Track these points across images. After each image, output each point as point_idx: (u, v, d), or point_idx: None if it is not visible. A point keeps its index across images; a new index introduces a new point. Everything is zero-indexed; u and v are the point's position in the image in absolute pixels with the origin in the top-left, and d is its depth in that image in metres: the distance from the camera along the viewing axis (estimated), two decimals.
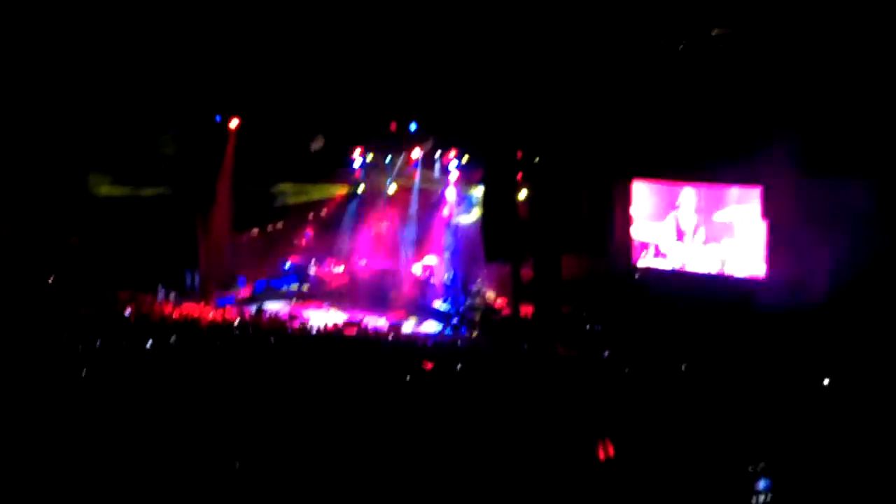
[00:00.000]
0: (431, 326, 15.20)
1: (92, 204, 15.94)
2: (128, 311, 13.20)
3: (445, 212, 17.41)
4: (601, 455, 6.15)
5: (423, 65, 14.20)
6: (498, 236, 15.79)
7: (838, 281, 10.95)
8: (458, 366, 10.71)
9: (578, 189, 14.92)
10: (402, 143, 17.24)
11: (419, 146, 17.18)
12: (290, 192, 17.82)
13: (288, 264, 17.57)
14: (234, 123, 16.41)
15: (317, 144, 16.90)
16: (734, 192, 13.28)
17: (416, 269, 17.15)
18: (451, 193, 17.34)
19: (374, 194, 18.20)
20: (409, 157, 17.54)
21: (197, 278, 16.36)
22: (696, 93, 12.78)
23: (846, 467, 6.15)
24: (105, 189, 16.05)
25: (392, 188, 17.95)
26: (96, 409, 7.61)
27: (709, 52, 12.54)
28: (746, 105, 12.05)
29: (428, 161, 17.47)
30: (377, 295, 16.38)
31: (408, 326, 15.03)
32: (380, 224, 17.80)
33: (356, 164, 18.05)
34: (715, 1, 12.00)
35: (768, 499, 5.86)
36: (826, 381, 8.82)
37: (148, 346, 10.84)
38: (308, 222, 18.15)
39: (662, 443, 7.06)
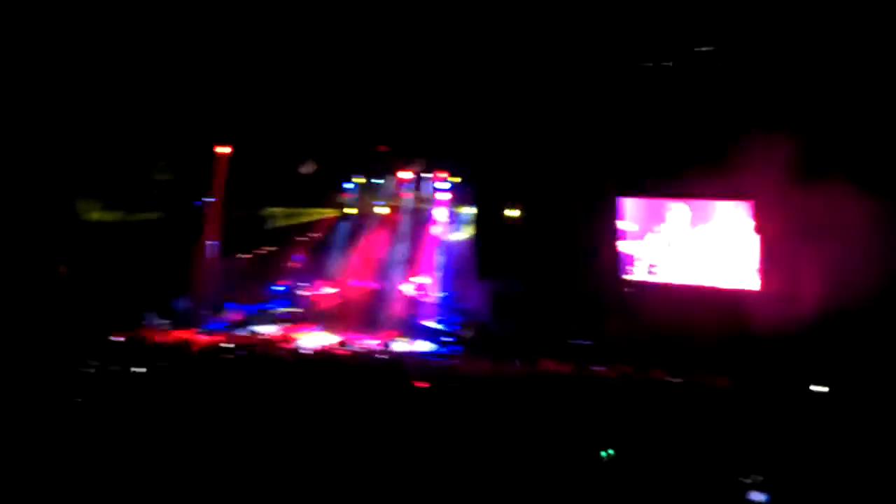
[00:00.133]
0: (424, 346, 15.16)
1: (81, 230, 15.87)
2: (119, 338, 13.12)
3: (436, 231, 17.42)
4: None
5: (413, 88, 14.28)
6: (489, 255, 15.84)
7: (832, 292, 10.94)
8: (451, 384, 10.73)
9: (567, 206, 14.95)
10: (393, 164, 17.36)
11: (409, 168, 17.26)
12: (280, 216, 17.84)
13: (279, 287, 17.52)
14: (225, 150, 16.43)
15: (307, 168, 16.93)
16: (725, 205, 13.28)
17: (408, 288, 17.14)
18: (441, 213, 17.36)
19: (365, 216, 18.20)
20: (399, 179, 17.61)
21: (187, 304, 16.27)
22: (684, 108, 12.86)
23: (842, 478, 6.14)
24: (96, 215, 15.99)
25: (383, 209, 17.96)
26: (88, 433, 7.57)
27: (694, 67, 12.63)
28: (735, 119, 12.12)
29: (418, 182, 17.54)
30: (369, 315, 16.36)
31: (400, 346, 14.98)
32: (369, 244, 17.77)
33: (349, 187, 18.09)
34: (698, 19, 12.06)
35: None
36: (821, 390, 8.83)
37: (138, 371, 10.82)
38: (299, 245, 18.12)
39: (657, 455, 7.05)
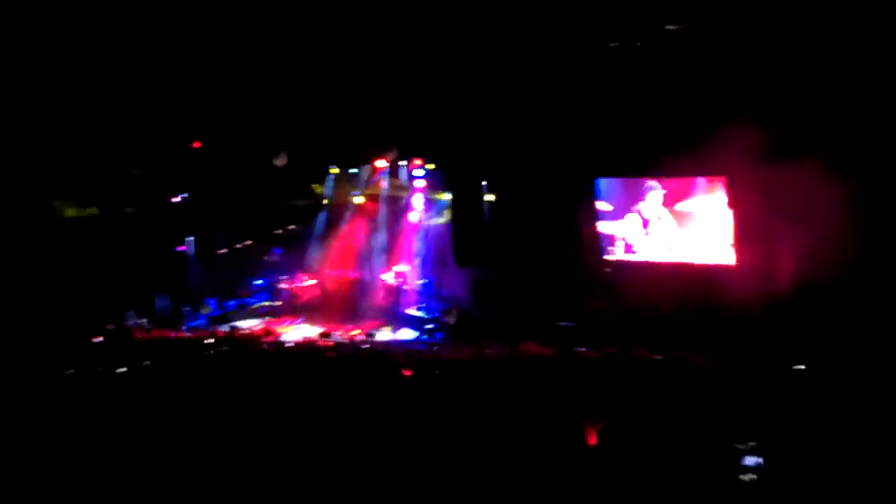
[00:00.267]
0: (407, 333, 15.19)
1: (57, 229, 15.72)
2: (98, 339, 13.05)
3: (414, 218, 17.42)
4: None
5: (385, 75, 14.23)
6: (468, 241, 15.87)
7: (806, 267, 11.06)
8: (436, 371, 10.76)
9: (544, 189, 14.99)
10: (368, 153, 17.31)
11: (384, 156, 17.22)
12: (255, 209, 17.76)
13: (258, 281, 17.48)
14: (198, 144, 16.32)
15: (280, 161, 16.85)
16: (699, 182, 13.37)
17: (388, 277, 17.15)
18: (418, 200, 17.35)
19: (342, 206, 18.17)
20: (374, 167, 17.58)
21: (167, 302, 16.20)
22: (656, 87, 12.88)
23: (829, 448, 6.22)
24: (71, 211, 15.85)
25: (360, 199, 17.93)
26: (72, 435, 7.54)
27: (665, 46, 12.65)
28: (707, 96, 12.16)
29: (394, 170, 17.51)
30: (350, 306, 16.36)
31: (383, 335, 15.00)
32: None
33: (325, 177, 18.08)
34: None
35: (757, 477, 5.91)
36: (800, 367, 8.95)
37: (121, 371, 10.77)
38: (277, 238, 18.06)
39: (646, 428, 7.12)
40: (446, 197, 16.96)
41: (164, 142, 16.04)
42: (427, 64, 13.86)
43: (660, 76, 12.79)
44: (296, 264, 17.72)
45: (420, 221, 17.40)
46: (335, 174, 18.09)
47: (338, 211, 18.11)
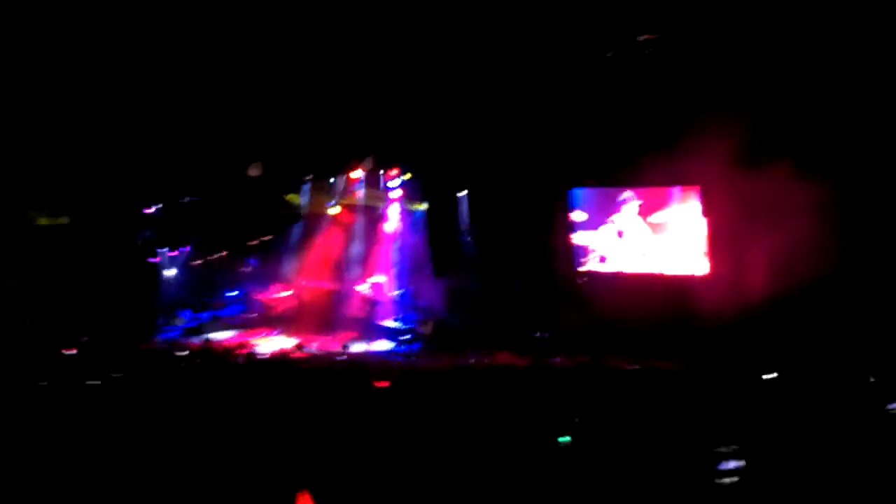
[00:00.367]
0: (383, 345, 15.15)
1: (28, 242, 15.55)
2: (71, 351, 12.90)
3: (390, 229, 17.40)
4: None
5: (361, 85, 14.22)
6: (444, 251, 15.88)
7: (779, 276, 11.16)
8: (411, 382, 10.75)
9: (519, 199, 15.04)
10: (343, 163, 17.26)
11: (360, 166, 17.19)
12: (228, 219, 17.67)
13: (233, 292, 17.38)
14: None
15: (255, 171, 16.78)
16: (674, 192, 13.46)
17: (364, 288, 17.10)
18: (394, 210, 17.34)
19: (317, 216, 18.09)
20: (350, 177, 17.54)
21: (140, 313, 16.07)
22: (629, 97, 12.96)
23: (803, 454, 6.28)
24: (43, 220, 15.68)
25: (335, 209, 17.88)
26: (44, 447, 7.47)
27: (637, 56, 12.74)
28: (680, 106, 12.26)
29: (370, 179, 17.49)
30: (326, 317, 16.28)
31: (358, 346, 14.94)
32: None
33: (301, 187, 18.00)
34: (639, 8, 12.18)
35: (736, 479, 5.96)
36: (770, 375, 9.02)
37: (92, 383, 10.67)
38: (252, 249, 17.96)
39: (617, 439, 7.16)
40: (421, 207, 16.94)
41: (138, 151, 15.91)
42: (402, 74, 13.86)
43: (633, 88, 12.87)
44: (271, 275, 17.62)
45: (395, 232, 17.37)
46: (311, 184, 17.99)
47: (313, 221, 18.02)
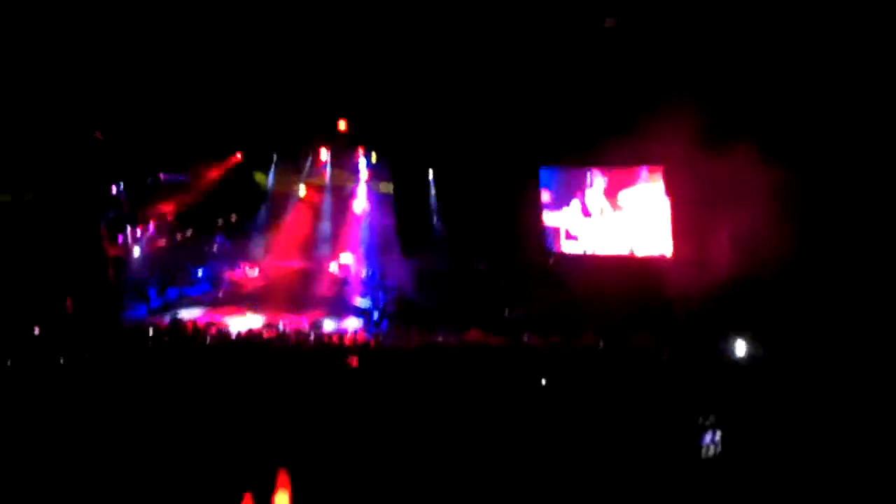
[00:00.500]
0: (352, 323, 15.16)
1: None
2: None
3: (358, 208, 17.38)
4: None
5: (331, 65, 14.16)
6: (413, 231, 15.91)
7: (742, 256, 11.35)
8: (380, 360, 10.80)
9: (487, 180, 15.10)
10: (312, 142, 17.18)
11: (326, 146, 17.14)
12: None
13: (200, 271, 17.24)
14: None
15: None
16: (640, 172, 13.60)
17: (333, 267, 17.07)
18: (362, 191, 17.31)
19: (286, 195, 18.01)
20: (317, 158, 17.47)
21: (109, 292, 15.89)
22: (594, 78, 13.05)
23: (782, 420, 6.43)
24: (4, 198, 15.43)
25: (302, 189, 17.80)
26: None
27: (602, 40, 12.82)
28: (644, 87, 12.37)
29: (337, 160, 17.43)
30: (294, 296, 16.23)
31: (328, 325, 14.93)
32: None
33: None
34: None
35: (717, 449, 6.09)
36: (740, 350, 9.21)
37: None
38: (220, 228, 17.82)
39: (588, 414, 7.27)
40: (390, 187, 16.92)
41: (103, 131, 15.72)
42: (370, 52, 13.83)
43: (599, 70, 12.96)
44: (238, 254, 17.52)
45: (364, 211, 17.34)
46: (280, 163, 17.89)
47: (281, 200, 17.93)
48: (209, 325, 14.45)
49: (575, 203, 14.44)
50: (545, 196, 14.80)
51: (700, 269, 11.82)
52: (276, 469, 5.52)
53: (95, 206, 16.36)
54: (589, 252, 14.44)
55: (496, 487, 6.22)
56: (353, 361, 10.59)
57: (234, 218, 17.91)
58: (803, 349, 8.88)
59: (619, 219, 13.93)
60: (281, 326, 14.14)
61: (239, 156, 17.37)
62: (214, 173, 17.25)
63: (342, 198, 17.65)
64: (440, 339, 12.73)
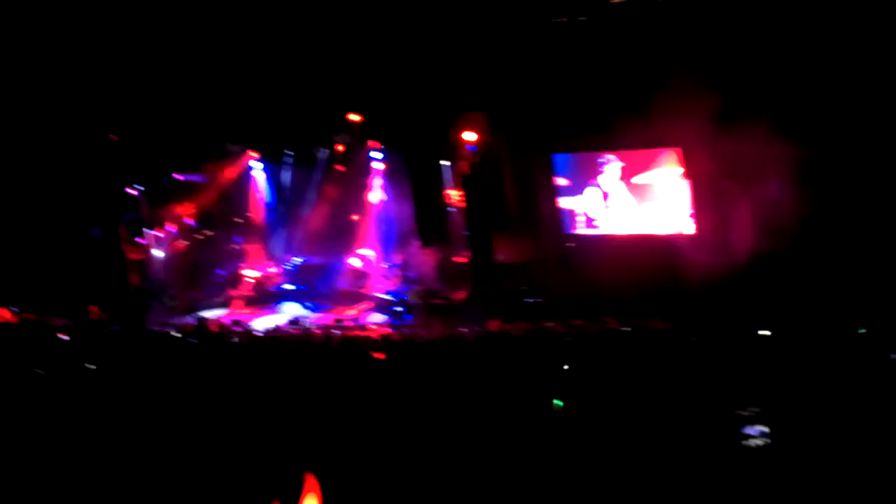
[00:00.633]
0: (376, 317, 15.27)
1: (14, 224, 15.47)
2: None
3: (374, 200, 17.42)
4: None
5: (339, 57, 14.22)
6: (431, 221, 15.98)
7: (763, 234, 11.38)
8: (406, 353, 10.88)
9: (502, 166, 15.15)
10: (326, 136, 17.23)
11: (340, 141, 17.20)
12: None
13: (223, 271, 17.37)
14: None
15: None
16: (655, 154, 13.61)
17: (354, 261, 17.16)
18: (377, 182, 17.38)
19: (300, 191, 18.07)
20: (333, 152, 17.52)
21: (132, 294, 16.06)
22: (607, 60, 13.06)
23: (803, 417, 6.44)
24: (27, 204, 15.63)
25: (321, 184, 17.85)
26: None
27: (613, 19, 12.82)
28: (658, 68, 12.35)
29: (352, 153, 17.47)
30: (317, 292, 16.37)
31: (351, 319, 15.05)
32: None
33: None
34: None
35: (762, 443, 6.11)
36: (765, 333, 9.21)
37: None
38: (239, 226, 17.94)
39: (622, 395, 7.33)
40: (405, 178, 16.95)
41: (118, 133, 15.86)
42: (380, 42, 13.89)
43: (610, 51, 12.96)
44: (258, 252, 17.63)
45: (381, 204, 17.40)
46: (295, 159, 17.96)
47: (297, 197, 18.01)
48: (235, 324, 14.61)
49: (591, 187, 14.47)
50: (561, 181, 14.83)
51: (722, 247, 11.87)
52: (303, 474, 5.60)
53: (113, 209, 16.53)
54: (607, 234, 14.46)
55: (525, 480, 6.28)
56: (380, 355, 10.70)
57: (251, 216, 18.02)
58: (832, 328, 8.90)
59: (636, 200, 13.95)
60: (306, 323, 14.29)
61: (253, 154, 17.46)
62: (231, 172, 17.39)
63: (358, 191, 17.69)
64: (464, 329, 12.82)
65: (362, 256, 17.09)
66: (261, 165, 17.77)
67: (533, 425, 7.24)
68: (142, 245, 16.89)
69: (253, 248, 17.69)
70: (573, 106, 13.67)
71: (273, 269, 17.38)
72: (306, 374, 9.80)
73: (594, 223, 14.53)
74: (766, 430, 6.16)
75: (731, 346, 8.94)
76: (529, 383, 8.44)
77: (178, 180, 17.03)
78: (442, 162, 16.22)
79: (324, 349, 11.91)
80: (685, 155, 13.16)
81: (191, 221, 17.43)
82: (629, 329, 11.28)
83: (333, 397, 8.58)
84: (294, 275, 17.14)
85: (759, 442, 6.13)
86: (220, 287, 17.02)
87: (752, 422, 6.29)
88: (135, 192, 16.67)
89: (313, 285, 16.64)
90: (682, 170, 13.25)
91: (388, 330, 13.38)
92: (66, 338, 12.94)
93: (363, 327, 13.80)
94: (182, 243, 17.26)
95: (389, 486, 6.32)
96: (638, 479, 6.09)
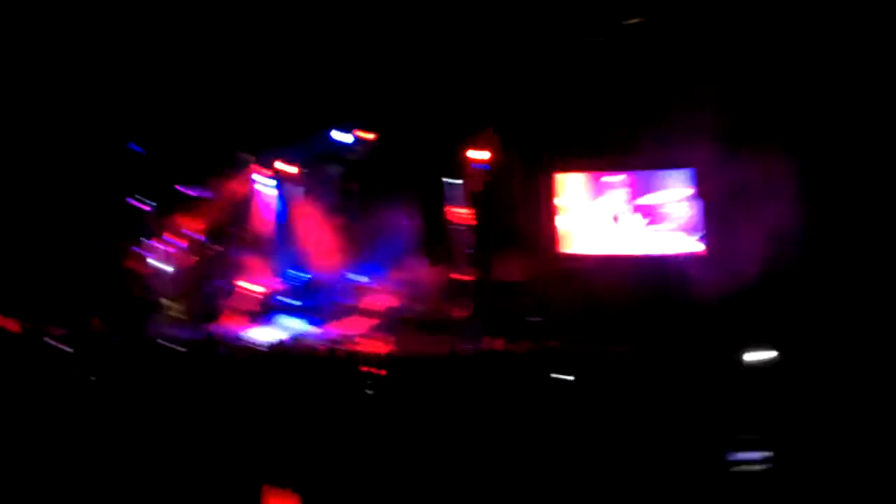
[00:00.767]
0: (377, 333, 15.16)
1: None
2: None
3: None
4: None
5: (336, 64, 14.29)
6: (436, 238, 15.91)
7: (771, 256, 11.32)
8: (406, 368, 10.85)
9: (508, 184, 15.12)
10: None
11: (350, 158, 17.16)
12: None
13: (225, 283, 17.30)
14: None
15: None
16: (664, 174, 13.55)
17: (350, 275, 17.02)
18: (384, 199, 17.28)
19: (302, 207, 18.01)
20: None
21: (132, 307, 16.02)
22: (618, 81, 13.07)
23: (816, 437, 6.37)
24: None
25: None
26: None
27: (625, 40, 12.84)
28: (670, 88, 12.36)
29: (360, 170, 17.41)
30: (320, 306, 16.31)
31: (350, 333, 14.97)
32: None
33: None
34: None
35: (759, 469, 6.04)
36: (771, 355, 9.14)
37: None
38: (238, 240, 17.87)
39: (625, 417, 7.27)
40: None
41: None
42: (389, 59, 13.96)
43: (621, 71, 12.97)
44: (263, 266, 17.54)
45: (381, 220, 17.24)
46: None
47: (299, 212, 17.92)
48: (236, 337, 14.55)
49: (599, 207, 14.38)
50: (567, 201, 14.75)
51: (730, 269, 11.78)
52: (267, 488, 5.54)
53: (120, 221, 16.53)
54: (611, 255, 14.37)
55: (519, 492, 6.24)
56: (374, 370, 10.68)
57: (257, 230, 17.96)
58: (838, 349, 8.83)
59: (642, 220, 13.88)
60: (308, 338, 14.22)
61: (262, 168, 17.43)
62: (240, 186, 17.37)
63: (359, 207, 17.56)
64: (465, 346, 12.77)
65: (357, 271, 16.84)
66: (270, 179, 17.62)
67: (525, 438, 7.20)
68: (147, 257, 16.86)
69: (257, 263, 17.58)
70: (582, 125, 13.68)
71: (276, 284, 17.27)
72: (306, 388, 9.79)
73: (597, 243, 14.42)
74: (767, 453, 6.11)
75: (734, 366, 8.86)
76: (525, 399, 8.42)
77: (184, 194, 16.99)
78: (447, 179, 16.18)
79: (325, 364, 11.89)
80: (697, 175, 13.08)
81: (198, 236, 17.39)
82: (631, 348, 11.21)
83: (332, 411, 8.56)
84: (297, 290, 17.00)
85: (759, 463, 6.08)
86: (223, 300, 16.89)
87: (754, 446, 6.24)
88: (147, 208, 16.68)
89: (316, 301, 16.52)
90: (691, 190, 13.17)
91: (390, 346, 13.33)
92: (67, 349, 12.95)
93: (365, 343, 13.70)
94: (189, 257, 17.22)
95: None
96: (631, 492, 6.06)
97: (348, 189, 17.23)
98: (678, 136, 11.93)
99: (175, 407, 9.05)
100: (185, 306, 16.69)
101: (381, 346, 13.13)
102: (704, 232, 13.12)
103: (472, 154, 15.11)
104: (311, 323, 15.90)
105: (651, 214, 13.81)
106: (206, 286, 17.18)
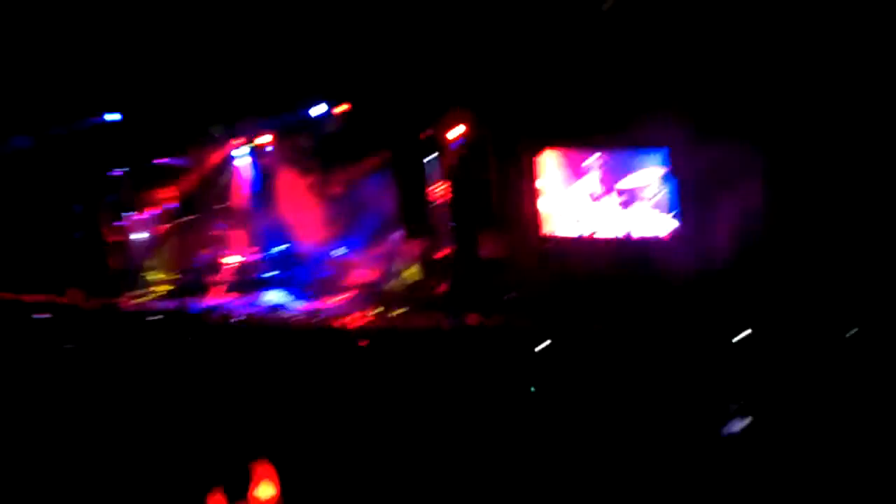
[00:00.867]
0: (358, 306, 15.23)
1: None
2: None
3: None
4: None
5: (320, 49, 14.24)
6: (415, 213, 15.98)
7: (742, 240, 11.50)
8: (389, 341, 10.96)
9: (487, 162, 15.18)
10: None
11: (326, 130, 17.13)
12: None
13: (205, 256, 17.29)
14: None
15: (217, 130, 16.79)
16: (641, 155, 13.66)
17: (329, 248, 17.05)
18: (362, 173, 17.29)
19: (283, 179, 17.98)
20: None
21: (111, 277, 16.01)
22: (594, 60, 13.12)
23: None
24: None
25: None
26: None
27: (602, 22, 12.88)
28: (645, 68, 12.44)
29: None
30: (300, 279, 16.34)
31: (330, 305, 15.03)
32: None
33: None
34: None
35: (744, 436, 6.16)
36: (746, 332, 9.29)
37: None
38: (221, 212, 17.83)
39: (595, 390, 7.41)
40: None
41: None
42: (368, 35, 13.93)
43: (600, 52, 13.01)
44: (241, 238, 17.52)
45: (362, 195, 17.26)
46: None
47: (279, 184, 17.88)
48: (214, 308, 14.58)
49: (576, 187, 14.47)
50: (545, 180, 14.82)
51: (704, 249, 11.95)
52: (253, 461, 5.56)
53: (95, 191, 16.46)
54: (587, 235, 14.49)
55: (501, 474, 6.32)
56: (362, 342, 10.78)
57: (234, 202, 17.92)
58: (816, 329, 8.99)
59: (620, 202, 13.99)
60: (288, 310, 14.26)
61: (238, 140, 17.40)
62: (215, 157, 17.32)
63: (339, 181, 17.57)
64: (443, 321, 12.90)
65: (337, 244, 16.87)
66: (246, 151, 17.56)
67: (504, 413, 7.31)
68: (123, 228, 16.81)
69: (235, 235, 17.56)
70: (560, 105, 13.70)
71: (255, 256, 17.26)
72: (286, 360, 9.85)
73: (575, 223, 14.52)
74: (746, 428, 6.24)
75: (711, 345, 9.03)
76: (502, 374, 8.55)
77: (161, 164, 16.93)
78: (427, 155, 16.22)
79: (305, 336, 11.97)
80: (672, 155, 13.19)
81: (173, 205, 17.34)
82: (604, 327, 11.38)
83: (312, 383, 8.63)
84: (276, 262, 17.01)
85: (741, 440, 6.20)
86: (201, 272, 16.88)
87: (733, 421, 6.36)
88: (119, 173, 16.59)
89: (296, 273, 16.55)
90: (666, 170, 13.29)
91: (370, 319, 13.42)
92: (45, 316, 12.95)
93: (345, 316, 13.77)
94: (164, 227, 17.18)
95: (364, 473, 6.38)
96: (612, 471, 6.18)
97: (324, 161, 17.23)
98: (653, 116, 12.00)
99: (150, 377, 9.08)
100: (162, 276, 16.69)
101: (359, 319, 13.22)
102: (679, 210, 13.26)
103: (454, 131, 15.15)
104: (290, 294, 15.94)
105: (626, 193, 13.92)
106: (182, 257, 17.18)
